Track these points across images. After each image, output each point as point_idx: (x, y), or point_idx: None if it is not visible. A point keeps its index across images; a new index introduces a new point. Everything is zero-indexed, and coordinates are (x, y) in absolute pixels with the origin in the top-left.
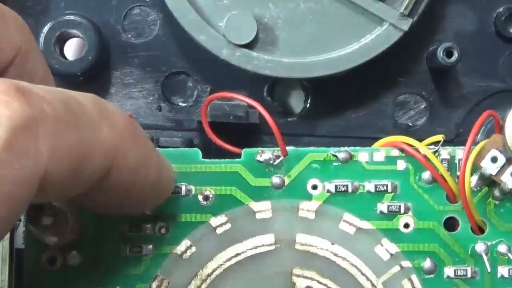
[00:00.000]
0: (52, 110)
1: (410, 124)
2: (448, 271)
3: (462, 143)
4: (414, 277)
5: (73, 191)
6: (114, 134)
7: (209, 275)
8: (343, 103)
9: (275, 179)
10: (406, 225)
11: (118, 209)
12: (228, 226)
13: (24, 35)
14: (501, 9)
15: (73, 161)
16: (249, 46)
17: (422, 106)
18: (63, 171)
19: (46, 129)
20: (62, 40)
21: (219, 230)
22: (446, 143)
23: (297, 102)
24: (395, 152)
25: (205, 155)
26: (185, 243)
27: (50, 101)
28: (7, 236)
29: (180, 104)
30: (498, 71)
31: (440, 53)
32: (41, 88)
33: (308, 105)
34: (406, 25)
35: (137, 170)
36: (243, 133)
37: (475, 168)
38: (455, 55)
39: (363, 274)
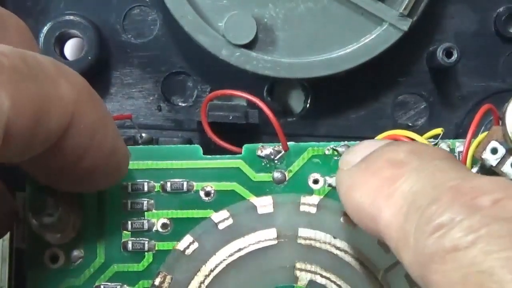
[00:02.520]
0: (9, 61)
1: (410, 124)
2: None
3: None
4: None
5: (34, 148)
6: (73, 90)
7: (212, 271)
8: (343, 103)
9: (276, 174)
10: None
11: (73, 179)
12: (230, 221)
13: (26, 41)
14: (501, 9)
15: (33, 113)
16: (249, 46)
17: (422, 106)
18: (24, 122)
19: (4, 78)
20: (62, 40)
21: (221, 226)
22: None
23: (297, 102)
24: None
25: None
26: (188, 239)
27: (6, 54)
28: (7, 236)
29: (180, 104)
30: (498, 71)
31: (440, 53)
32: None
33: (308, 105)
34: (406, 25)
35: (94, 131)
36: (242, 133)
37: (475, 160)
38: (455, 55)
39: (365, 267)
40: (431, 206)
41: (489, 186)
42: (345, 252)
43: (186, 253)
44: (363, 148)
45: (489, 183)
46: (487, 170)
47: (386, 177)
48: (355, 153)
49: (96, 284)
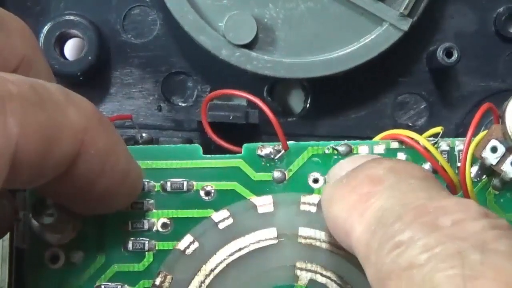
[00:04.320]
0: (17, 89)
1: (410, 124)
2: None
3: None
4: None
5: (44, 175)
6: (82, 117)
7: (212, 270)
8: (343, 103)
9: (276, 173)
10: None
11: (88, 202)
12: (230, 221)
13: (29, 45)
14: (501, 9)
15: (42, 141)
16: (249, 46)
17: (422, 106)
18: (34, 150)
19: (13, 106)
20: (62, 40)
21: (221, 225)
22: None
23: (297, 102)
24: (395, 145)
25: None
26: (188, 238)
27: (15, 82)
28: (7, 236)
29: (180, 104)
30: (498, 71)
31: (440, 53)
32: (6, 73)
33: (308, 105)
34: (406, 25)
35: (106, 156)
36: (242, 133)
37: (475, 158)
38: (455, 55)
39: None
40: (395, 224)
41: (452, 207)
42: (346, 251)
43: (186, 252)
44: (349, 163)
45: (454, 204)
46: (487, 169)
47: (362, 194)
48: (341, 167)
49: (97, 284)
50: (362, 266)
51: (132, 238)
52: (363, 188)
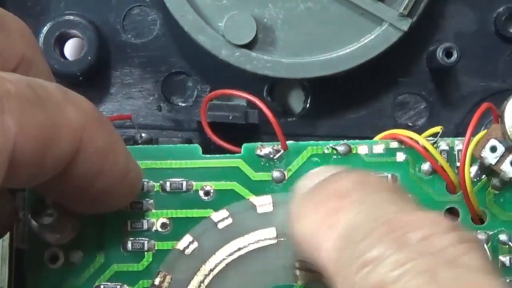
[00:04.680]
0: (15, 88)
1: (410, 124)
2: None
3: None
4: None
5: (43, 174)
6: (80, 116)
7: (211, 270)
8: (343, 103)
9: (276, 173)
10: None
11: (87, 201)
12: (229, 220)
13: (28, 45)
14: (501, 9)
15: (41, 139)
16: (249, 46)
17: (422, 106)
18: (32, 148)
19: (11, 104)
20: (61, 40)
21: (220, 225)
22: None
23: (297, 102)
24: (394, 144)
25: None
26: (187, 238)
27: (13, 81)
28: (7, 236)
29: (180, 104)
30: (498, 71)
31: (440, 53)
32: (4, 72)
33: (308, 105)
34: (405, 25)
35: (105, 154)
36: (242, 133)
37: (475, 158)
38: (455, 55)
39: None
40: (363, 241)
41: (421, 221)
42: None
43: (185, 252)
44: (316, 175)
45: (421, 219)
46: (486, 169)
47: (330, 208)
48: (309, 179)
49: (96, 284)
50: (331, 285)
51: (131, 238)
52: (329, 203)
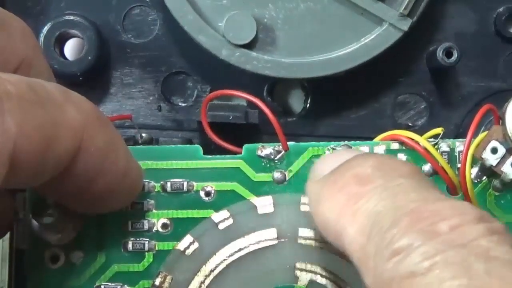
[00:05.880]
0: (15, 89)
1: (410, 124)
2: None
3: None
4: None
5: (44, 174)
6: (81, 115)
7: (212, 271)
8: (343, 103)
9: (277, 174)
10: None
11: (88, 201)
12: (230, 221)
13: (29, 45)
14: (501, 9)
15: (41, 140)
16: (249, 46)
17: (422, 106)
18: (33, 148)
19: (11, 105)
20: (62, 40)
21: (221, 226)
22: None
23: (297, 102)
24: (395, 146)
25: None
26: (188, 239)
27: (13, 82)
28: (7, 236)
29: (180, 104)
30: (498, 71)
31: (440, 53)
32: (4, 73)
33: (308, 105)
34: (405, 25)
35: (106, 153)
36: (242, 133)
37: (475, 159)
38: (455, 55)
39: None
40: (391, 229)
41: (448, 211)
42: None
43: (186, 253)
44: (333, 158)
45: (449, 208)
46: (487, 170)
47: (351, 194)
48: (325, 163)
49: (97, 284)
50: (358, 269)
51: (132, 239)
52: (351, 188)
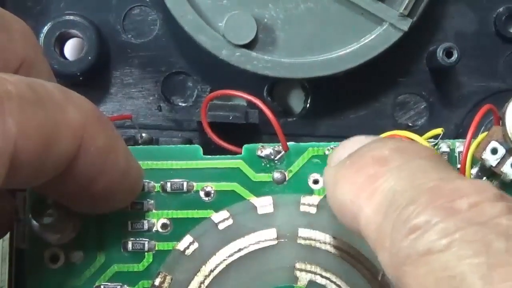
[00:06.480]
0: (16, 89)
1: (410, 124)
2: None
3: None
4: None
5: (44, 174)
6: (81, 115)
7: (212, 271)
8: (343, 103)
9: (276, 174)
10: None
11: (88, 201)
12: (230, 221)
13: (30, 46)
14: (501, 9)
15: (41, 140)
16: (249, 46)
17: (422, 106)
18: (33, 149)
19: (11, 105)
20: (62, 40)
21: (221, 226)
22: None
23: (297, 102)
24: None
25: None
26: (188, 239)
27: (13, 82)
28: (7, 236)
29: (180, 104)
30: (498, 71)
31: (440, 53)
32: (4, 73)
33: (308, 105)
34: (405, 25)
35: (106, 153)
36: (242, 133)
37: (475, 160)
38: (455, 55)
39: (365, 267)
40: (409, 206)
41: (467, 189)
42: (345, 252)
43: (186, 253)
44: (351, 144)
45: (468, 186)
46: (487, 170)
47: (369, 175)
48: (343, 149)
49: (96, 284)
50: (373, 250)
51: (132, 239)
52: (368, 169)
